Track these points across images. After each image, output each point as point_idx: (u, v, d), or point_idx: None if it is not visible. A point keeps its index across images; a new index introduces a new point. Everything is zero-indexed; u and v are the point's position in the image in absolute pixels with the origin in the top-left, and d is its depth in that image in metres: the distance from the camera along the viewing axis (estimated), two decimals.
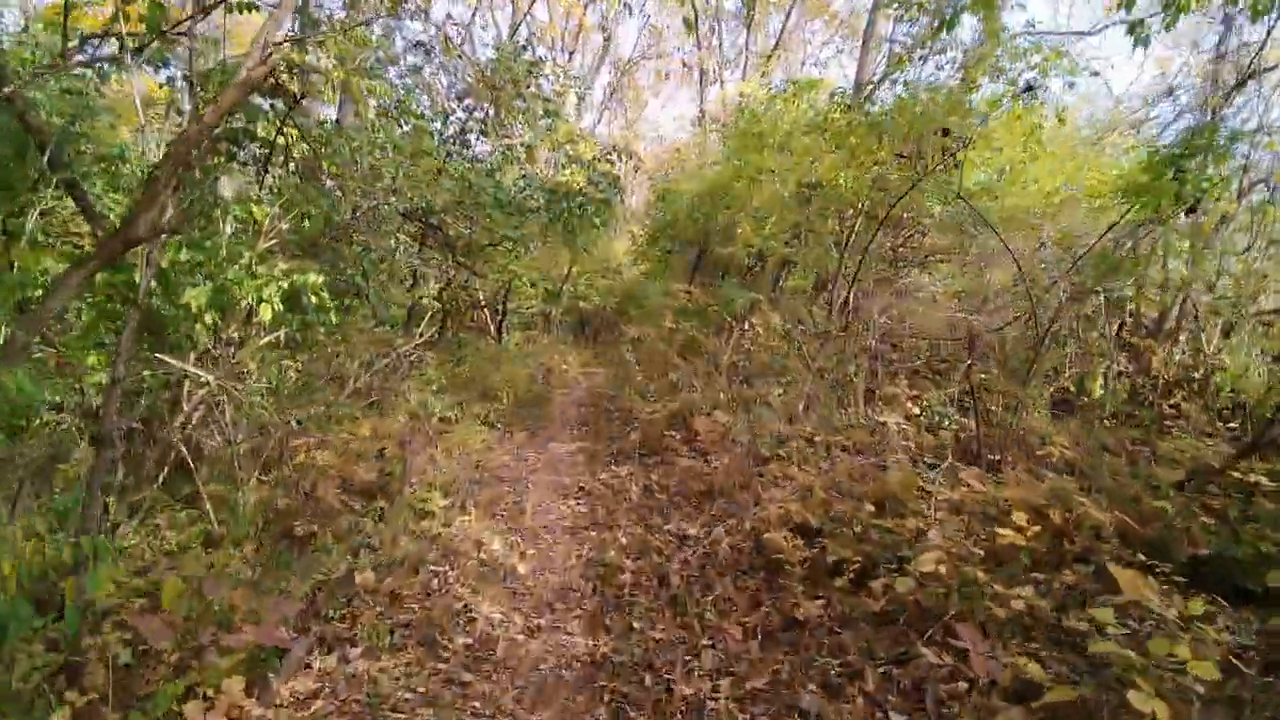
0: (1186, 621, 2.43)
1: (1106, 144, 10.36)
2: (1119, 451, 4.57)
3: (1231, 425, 5.78)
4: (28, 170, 3.71)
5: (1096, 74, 5.80)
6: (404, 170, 6.13)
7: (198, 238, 3.54)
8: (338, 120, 7.94)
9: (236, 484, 4.14)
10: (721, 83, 16.89)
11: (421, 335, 7.25)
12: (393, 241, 5.90)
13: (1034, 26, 5.78)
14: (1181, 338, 6.28)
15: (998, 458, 4.66)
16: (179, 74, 4.41)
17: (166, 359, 3.36)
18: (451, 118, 8.47)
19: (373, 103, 8.31)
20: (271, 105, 4.24)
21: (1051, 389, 5.42)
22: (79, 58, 3.71)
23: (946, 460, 5.54)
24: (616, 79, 26.57)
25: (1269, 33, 5.67)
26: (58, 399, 3.73)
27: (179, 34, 3.44)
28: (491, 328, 13.04)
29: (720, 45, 17.63)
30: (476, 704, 3.08)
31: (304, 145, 5.04)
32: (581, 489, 7.02)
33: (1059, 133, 9.05)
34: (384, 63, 7.69)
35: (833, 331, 6.37)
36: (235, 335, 3.79)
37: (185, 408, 3.59)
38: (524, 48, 7.70)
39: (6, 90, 2.97)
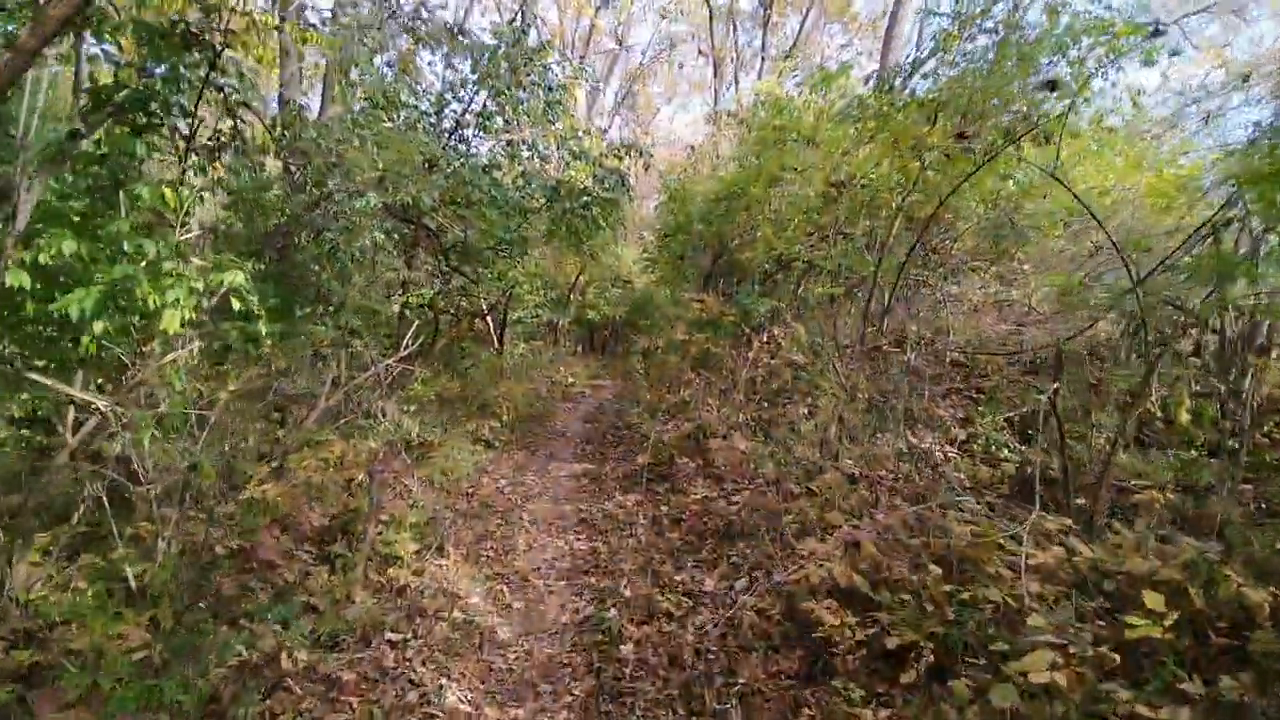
0: None
1: (1165, 140, 9.49)
2: (1245, 500, 3.71)
3: None
4: None
5: (1177, 54, 4.97)
6: (388, 163, 5.40)
7: (97, 226, 2.82)
8: (322, 108, 7.25)
9: (156, 528, 3.39)
10: (737, 83, 16.19)
11: (407, 346, 6.50)
12: (369, 240, 5.15)
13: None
14: (1275, 354, 5.38)
15: (1082, 501, 3.82)
16: None
17: (43, 380, 2.64)
18: (447, 109, 7.77)
19: (360, 95, 7.66)
20: (210, 76, 3.51)
21: (1132, 415, 4.56)
22: None
23: (1001, 496, 4.70)
24: (628, 84, 26.01)
25: None
26: None
27: None
28: (494, 338, 12.31)
29: (736, 44, 16.94)
30: None
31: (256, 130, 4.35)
32: (583, 521, 6.23)
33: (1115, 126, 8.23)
34: (372, 49, 7.02)
35: (868, 345, 5.55)
36: (147, 349, 3.06)
37: (71, 439, 2.85)
38: (524, 31, 7.00)
39: None
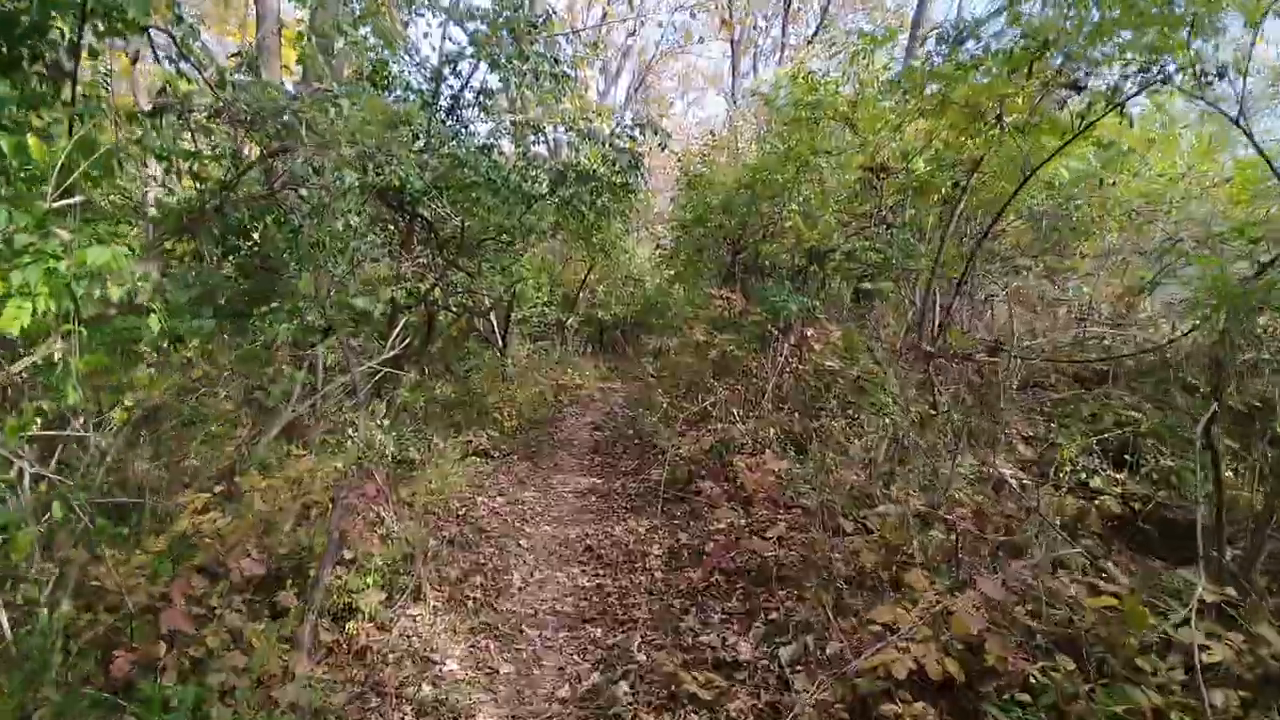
0: None
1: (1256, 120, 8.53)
2: None
3: None
4: None
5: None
6: (368, 134, 4.62)
7: None
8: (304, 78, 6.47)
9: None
10: (755, 72, 15.35)
11: (394, 348, 5.73)
12: (342, 225, 4.38)
13: None
14: None
15: (1235, 556, 2.96)
16: None
17: None
18: (443, 85, 6.99)
19: (349, 68, 6.90)
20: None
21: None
22: None
23: (1093, 533, 3.85)
24: (640, 77, 25.21)
25: None
26: None
27: None
28: (497, 338, 11.54)
29: (755, 28, 16.10)
30: None
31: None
32: (589, 549, 5.41)
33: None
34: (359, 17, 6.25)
35: (924, 349, 4.70)
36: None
37: None
38: None
39: None
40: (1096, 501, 3.85)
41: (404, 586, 3.93)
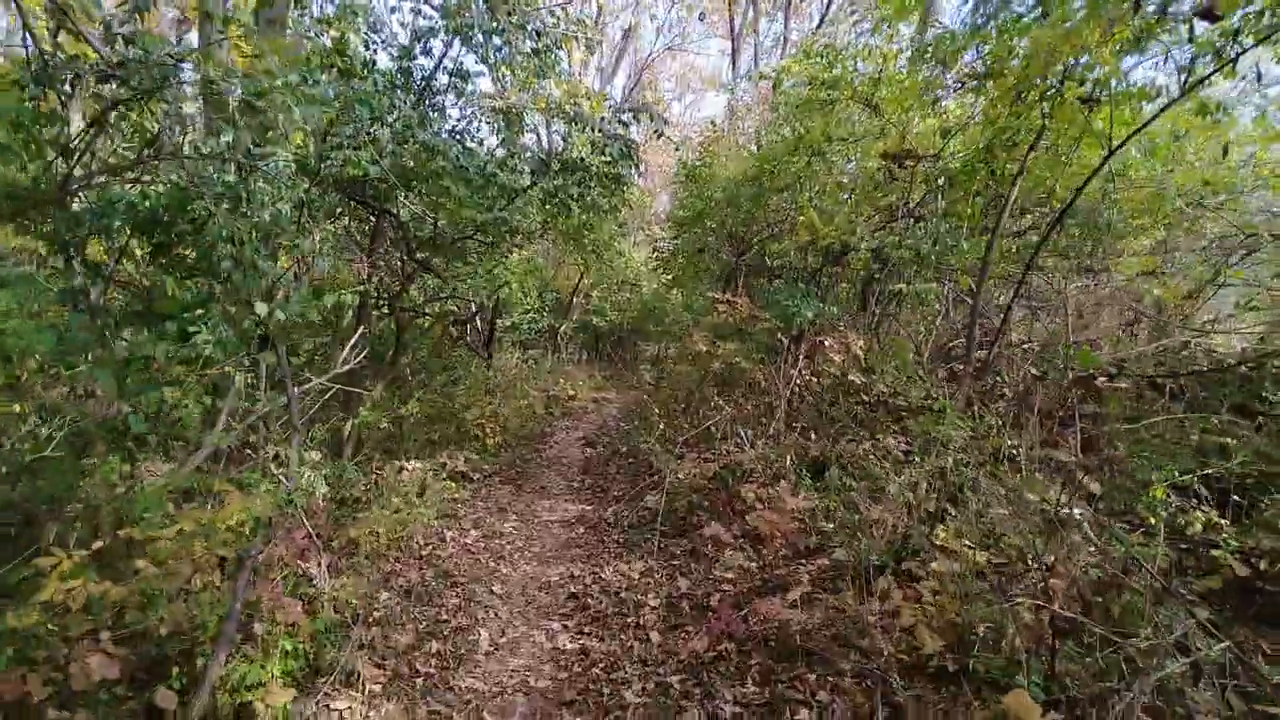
0: None
1: None
2: None
3: None
4: None
5: None
6: (310, 108, 3.82)
7: None
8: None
9: None
10: (756, 64, 14.62)
11: (348, 362, 4.93)
12: (268, 215, 3.59)
13: None
14: None
15: None
16: None
17: None
18: (413, 63, 6.20)
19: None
20: None
21: None
22: None
23: (1200, 596, 3.05)
24: (636, 76, 24.54)
25: None
26: None
27: None
28: (482, 347, 10.73)
29: (756, 23, 15.38)
30: None
31: None
32: (573, 596, 4.60)
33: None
34: None
35: (969, 361, 3.91)
36: None
37: None
38: None
39: None
40: (1213, 557, 3.05)
41: (334, 665, 3.12)
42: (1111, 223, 5.85)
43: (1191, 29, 2.70)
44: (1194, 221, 6.48)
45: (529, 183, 6.19)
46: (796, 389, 5.70)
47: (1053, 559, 2.95)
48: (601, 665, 3.65)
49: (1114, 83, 3.40)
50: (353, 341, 5.21)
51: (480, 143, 6.69)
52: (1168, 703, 2.03)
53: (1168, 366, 4.19)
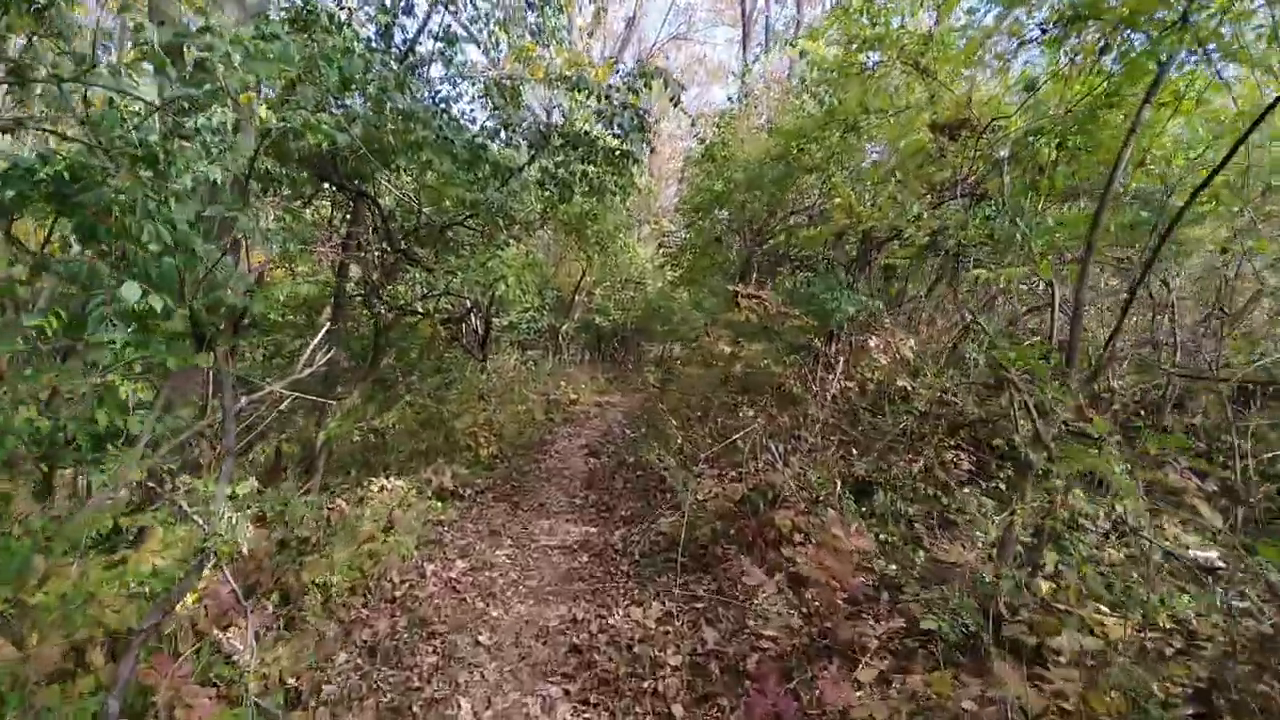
0: None
1: None
2: None
3: None
4: None
5: None
6: (254, 70, 3.08)
7: None
8: None
9: None
10: (767, 50, 13.82)
11: (308, 367, 4.14)
12: (189, 181, 2.81)
13: None
14: None
15: None
16: None
17: None
18: (395, 21, 5.42)
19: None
20: None
21: None
22: None
23: None
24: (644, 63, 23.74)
25: None
26: None
27: None
28: (478, 347, 9.94)
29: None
30: None
31: None
32: (577, 650, 3.79)
33: None
34: None
35: (1088, 368, 3.11)
36: None
37: None
38: None
39: None
40: None
41: None
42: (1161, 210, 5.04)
43: None
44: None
45: (527, 159, 5.40)
46: (835, 396, 4.90)
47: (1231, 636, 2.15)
48: None
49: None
50: (317, 340, 4.43)
51: (473, 121, 5.90)
52: None
53: None
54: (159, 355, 3.24)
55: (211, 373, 3.60)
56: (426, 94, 5.53)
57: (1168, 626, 2.52)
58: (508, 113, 5.55)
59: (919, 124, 5.35)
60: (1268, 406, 4.75)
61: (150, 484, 2.75)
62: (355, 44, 4.95)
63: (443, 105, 5.09)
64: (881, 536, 3.99)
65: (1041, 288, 5.50)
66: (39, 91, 3.76)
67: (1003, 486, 3.72)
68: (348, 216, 6.26)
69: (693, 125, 7.02)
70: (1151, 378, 4.00)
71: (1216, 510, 3.24)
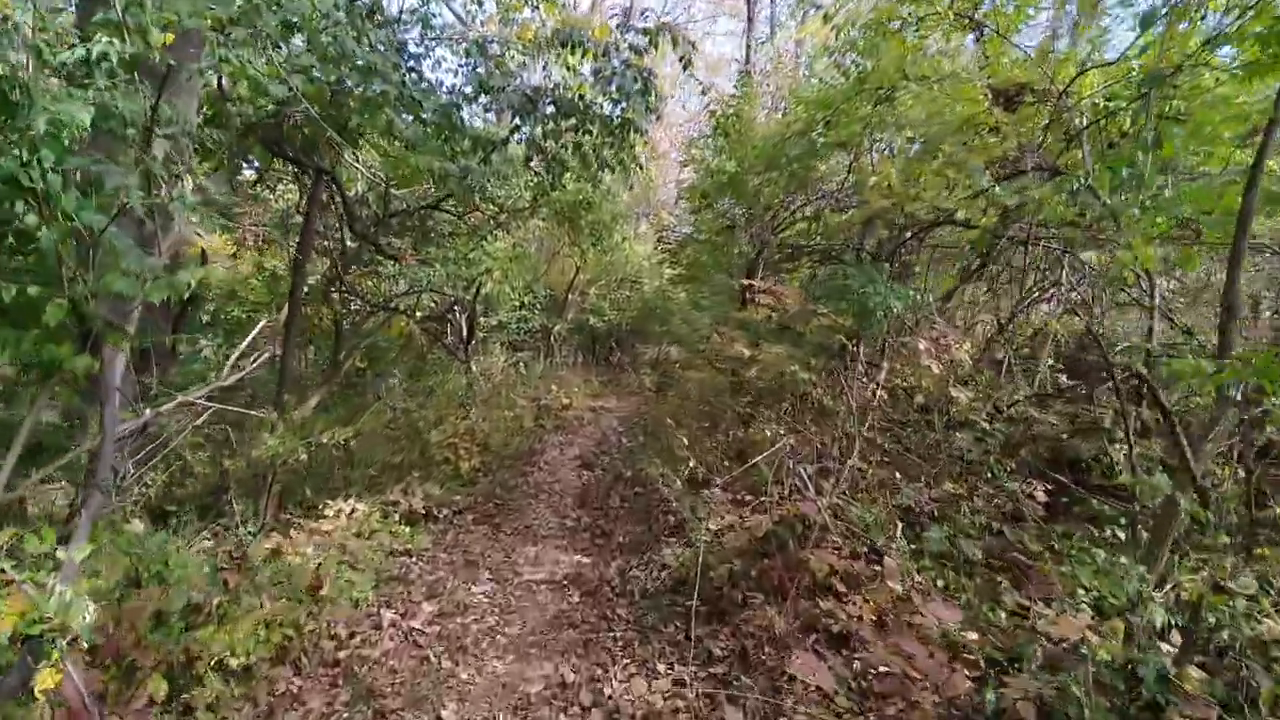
0: None
1: None
2: None
3: None
4: None
5: None
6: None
7: None
8: None
9: None
10: (773, 33, 13.06)
11: (236, 371, 3.34)
12: (44, 122, 1.99)
13: None
14: None
15: None
16: None
17: None
18: None
19: None
20: None
21: None
22: None
23: None
24: None
25: None
26: None
27: None
28: (462, 348, 9.12)
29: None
30: None
31: None
32: None
33: None
34: None
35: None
36: None
37: None
38: None
39: None
40: None
41: None
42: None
43: None
44: None
45: (513, 126, 4.61)
46: (875, 408, 4.11)
47: None
48: None
49: None
50: (249, 339, 3.61)
51: (451, 91, 5.09)
52: None
53: None
54: (12, 355, 2.45)
55: (98, 382, 2.78)
56: (389, 48, 4.72)
57: None
58: (491, 74, 4.75)
59: (969, 92, 4.59)
60: None
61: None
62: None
63: (409, 62, 4.28)
64: (936, 579, 3.22)
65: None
66: None
67: (1106, 526, 2.95)
68: (304, 197, 5.45)
69: (704, 93, 6.24)
70: None
71: None
